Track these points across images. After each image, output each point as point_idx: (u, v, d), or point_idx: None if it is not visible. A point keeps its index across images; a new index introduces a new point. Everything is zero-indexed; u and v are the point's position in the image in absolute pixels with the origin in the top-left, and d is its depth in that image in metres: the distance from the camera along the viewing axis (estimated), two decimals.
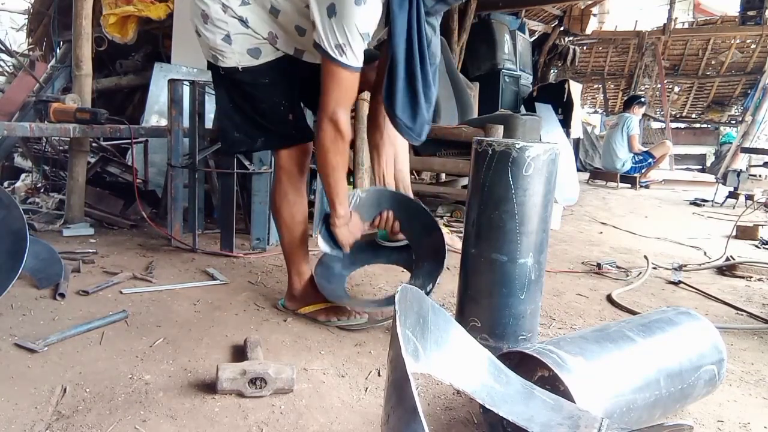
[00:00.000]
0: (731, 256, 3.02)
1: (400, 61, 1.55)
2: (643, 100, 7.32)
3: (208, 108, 3.05)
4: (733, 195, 5.46)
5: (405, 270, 2.22)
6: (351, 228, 1.82)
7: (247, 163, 2.70)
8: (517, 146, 1.49)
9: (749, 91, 9.78)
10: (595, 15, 9.52)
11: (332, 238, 1.82)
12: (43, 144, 3.84)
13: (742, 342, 1.95)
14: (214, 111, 3.38)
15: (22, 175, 4.00)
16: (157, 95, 3.84)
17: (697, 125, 10.98)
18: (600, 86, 11.21)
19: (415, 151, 4.03)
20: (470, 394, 1.07)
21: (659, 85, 10.07)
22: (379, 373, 1.56)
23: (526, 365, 1.22)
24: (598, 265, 2.79)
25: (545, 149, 1.51)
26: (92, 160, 3.44)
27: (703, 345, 1.38)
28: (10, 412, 1.27)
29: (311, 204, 2.86)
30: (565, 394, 1.12)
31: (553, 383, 1.16)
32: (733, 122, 10.25)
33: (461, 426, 1.33)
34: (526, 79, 7.57)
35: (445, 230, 2.01)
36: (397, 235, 1.94)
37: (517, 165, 1.49)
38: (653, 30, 9.87)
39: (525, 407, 1.09)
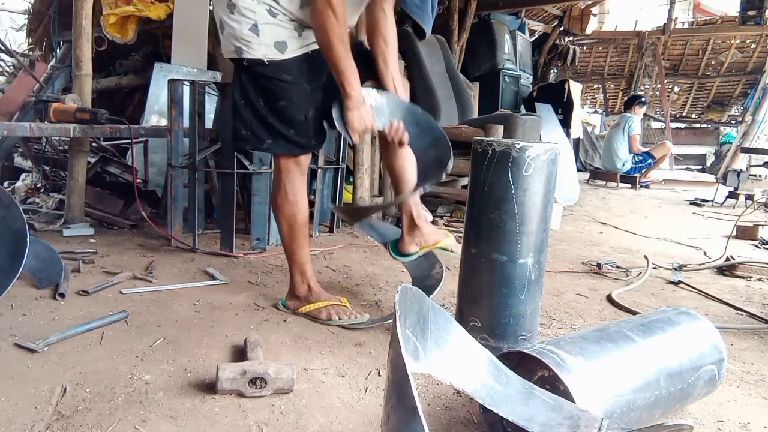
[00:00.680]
0: (731, 256, 3.02)
1: None
2: (643, 99, 7.32)
3: (208, 108, 3.05)
4: (733, 195, 5.46)
5: (405, 270, 2.22)
6: (363, 113, 1.76)
7: (247, 163, 2.70)
8: (517, 146, 1.49)
9: (749, 91, 9.78)
10: (595, 15, 9.52)
11: (344, 123, 1.77)
12: (43, 144, 3.84)
13: (742, 342, 1.95)
14: (214, 111, 3.40)
15: (22, 175, 4.00)
16: (157, 95, 3.84)
17: (697, 125, 10.97)
18: (600, 86, 11.21)
19: None
20: (470, 394, 1.07)
21: (659, 85, 10.07)
22: (379, 373, 1.56)
23: (526, 365, 1.22)
24: (598, 265, 2.79)
25: (545, 149, 1.51)
26: (92, 160, 3.44)
27: (703, 345, 1.38)
28: (10, 412, 1.27)
29: (311, 204, 2.86)
30: (565, 394, 1.12)
31: (553, 383, 1.16)
32: (733, 122, 10.24)
33: (461, 426, 1.33)
34: (526, 79, 7.56)
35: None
36: (404, 144, 1.88)
37: (517, 165, 1.49)
38: (653, 30, 9.87)
39: (525, 407, 1.09)
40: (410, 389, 0.77)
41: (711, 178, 7.74)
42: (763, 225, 4.00)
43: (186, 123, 2.76)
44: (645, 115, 7.45)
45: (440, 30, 5.93)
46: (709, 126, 10.82)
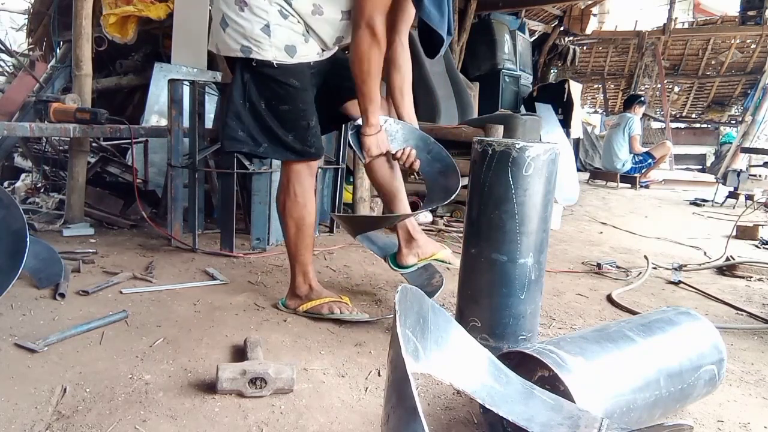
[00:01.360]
0: (731, 256, 3.02)
1: None
2: (643, 99, 7.32)
3: (208, 108, 3.05)
4: (733, 195, 5.47)
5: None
6: (379, 140, 1.84)
7: (247, 163, 2.71)
8: (517, 146, 1.49)
9: (749, 91, 9.78)
10: (595, 15, 9.52)
11: (360, 146, 1.86)
12: (43, 144, 3.84)
13: (742, 342, 1.95)
14: (214, 111, 3.40)
15: (22, 175, 4.00)
16: (157, 95, 3.84)
17: (697, 125, 10.98)
18: (600, 86, 11.21)
19: None
20: (470, 394, 1.07)
21: (659, 85, 10.07)
22: (379, 373, 1.56)
23: (526, 365, 1.22)
24: (598, 265, 2.79)
25: (545, 149, 1.51)
26: (92, 160, 3.44)
27: (703, 345, 1.38)
28: (10, 412, 1.27)
29: None
30: (565, 394, 1.12)
31: (553, 383, 1.16)
32: (733, 122, 10.25)
33: (461, 426, 1.33)
34: (526, 79, 7.57)
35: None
36: (415, 169, 1.96)
37: (517, 165, 1.49)
38: (653, 30, 9.87)
39: (525, 407, 1.09)
40: (410, 389, 0.77)
41: (711, 178, 7.74)
42: (763, 225, 4.00)
43: (186, 123, 2.76)
44: (645, 114, 7.46)
45: None
46: (709, 126, 10.83)
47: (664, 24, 9.70)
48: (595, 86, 11.34)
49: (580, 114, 8.01)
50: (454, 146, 4.15)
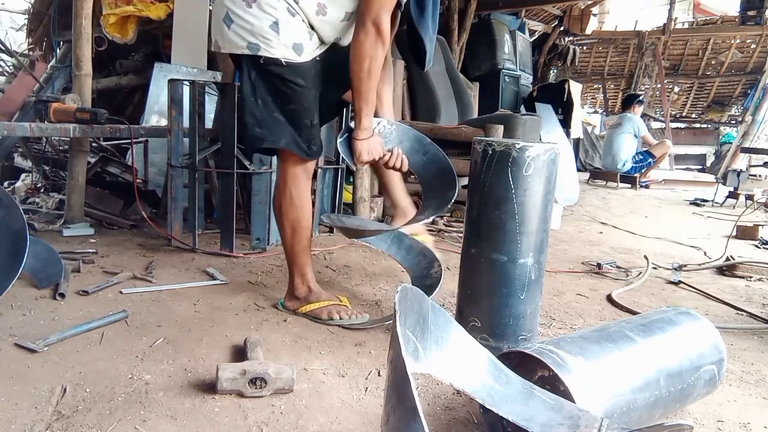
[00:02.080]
0: (731, 256, 3.02)
1: None
2: (641, 98, 7.32)
3: (208, 108, 3.05)
4: (733, 195, 5.47)
5: (405, 270, 2.22)
6: (371, 144, 1.78)
7: (247, 163, 2.70)
8: (517, 146, 1.49)
9: (749, 91, 9.78)
10: (595, 15, 9.53)
11: (350, 150, 1.79)
12: (43, 144, 3.84)
13: (742, 342, 1.95)
14: (214, 111, 3.40)
15: (22, 175, 4.00)
16: (157, 95, 3.84)
17: (697, 125, 10.98)
18: (600, 86, 11.21)
19: None
20: (470, 394, 1.07)
21: (659, 85, 10.07)
22: (379, 373, 1.56)
23: (526, 365, 1.22)
24: (598, 265, 2.79)
25: (545, 149, 1.51)
26: (92, 160, 3.44)
27: (703, 345, 1.38)
28: (10, 412, 1.27)
29: (312, 204, 2.86)
30: (565, 394, 1.12)
31: (553, 383, 1.16)
32: (733, 122, 10.25)
33: (461, 426, 1.33)
34: (526, 79, 7.57)
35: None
36: (404, 170, 1.94)
37: (517, 165, 1.49)
38: (653, 30, 9.87)
39: (525, 407, 1.09)
40: (410, 389, 0.77)
41: (711, 178, 7.75)
42: (763, 225, 4.00)
43: (186, 123, 2.76)
44: (645, 114, 7.47)
45: (440, 30, 5.93)
46: (709, 126, 10.83)
47: (664, 24, 9.70)
48: (595, 86, 11.34)
49: (580, 114, 8.01)
50: (454, 146, 4.16)
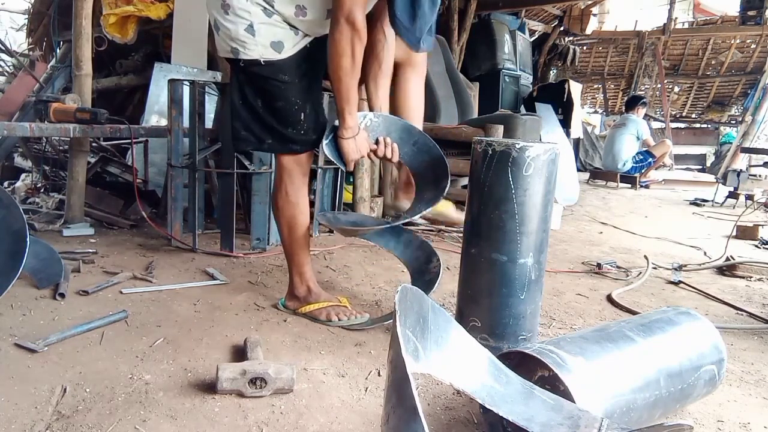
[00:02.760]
0: (731, 256, 3.02)
1: None
2: (645, 100, 7.30)
3: (208, 108, 3.05)
4: (733, 195, 5.46)
5: (405, 270, 2.22)
6: (358, 142, 1.75)
7: (247, 163, 2.70)
8: (517, 146, 1.49)
9: (749, 91, 9.78)
10: (595, 15, 9.53)
11: (338, 151, 1.76)
12: (43, 144, 3.84)
13: (742, 342, 1.95)
14: (214, 111, 3.40)
15: (22, 175, 4.00)
16: (157, 95, 3.84)
17: (697, 125, 10.97)
18: (600, 86, 11.20)
19: None
20: (470, 394, 1.07)
21: (659, 85, 10.07)
22: (379, 373, 1.56)
23: (526, 365, 1.22)
24: (598, 265, 2.79)
25: (545, 149, 1.51)
26: (92, 160, 3.44)
27: (703, 345, 1.38)
28: (10, 412, 1.27)
29: (311, 204, 2.86)
30: (565, 394, 1.12)
31: (553, 383, 1.16)
32: (733, 122, 10.24)
33: (461, 426, 1.33)
34: (526, 79, 7.57)
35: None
36: (395, 160, 1.87)
37: (517, 165, 1.49)
38: (653, 30, 9.86)
39: (525, 407, 1.09)
40: (410, 389, 0.77)
41: (711, 178, 7.74)
42: (763, 225, 4.00)
43: (186, 123, 2.76)
44: (645, 115, 7.46)
45: (440, 30, 5.94)
46: (709, 126, 10.82)
47: (664, 24, 9.69)
48: (595, 86, 11.34)
49: (580, 114, 8.01)
50: (454, 146, 4.17)
